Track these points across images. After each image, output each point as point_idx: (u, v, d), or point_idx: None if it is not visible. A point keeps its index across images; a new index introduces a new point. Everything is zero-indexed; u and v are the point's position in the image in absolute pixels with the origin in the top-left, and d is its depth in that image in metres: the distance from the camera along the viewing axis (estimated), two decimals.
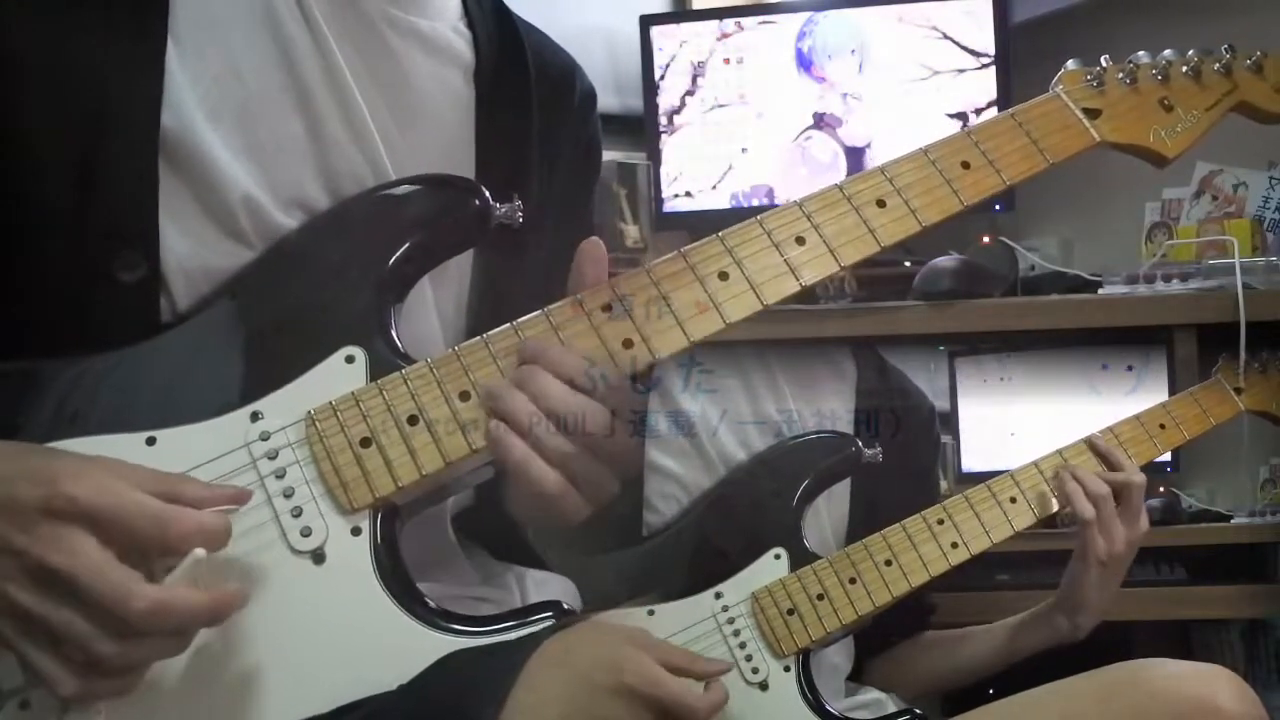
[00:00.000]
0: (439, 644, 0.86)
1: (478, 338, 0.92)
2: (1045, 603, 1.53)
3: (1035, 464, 1.49)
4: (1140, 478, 1.47)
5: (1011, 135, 1.05)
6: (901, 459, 1.57)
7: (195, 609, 0.76)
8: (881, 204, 1.00)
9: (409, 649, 0.85)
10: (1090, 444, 1.50)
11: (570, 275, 0.97)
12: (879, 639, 1.62)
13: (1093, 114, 1.08)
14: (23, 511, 0.74)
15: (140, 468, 0.80)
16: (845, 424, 1.59)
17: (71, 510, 0.74)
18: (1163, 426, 1.54)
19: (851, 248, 0.99)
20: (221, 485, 0.84)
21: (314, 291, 0.92)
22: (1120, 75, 1.11)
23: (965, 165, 1.03)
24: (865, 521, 1.46)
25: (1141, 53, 1.13)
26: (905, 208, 1.00)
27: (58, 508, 0.74)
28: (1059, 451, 1.50)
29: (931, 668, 1.61)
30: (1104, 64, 1.11)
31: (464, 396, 0.90)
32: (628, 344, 0.93)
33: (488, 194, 0.95)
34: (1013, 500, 1.46)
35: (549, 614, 0.88)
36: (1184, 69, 1.13)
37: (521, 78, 1.10)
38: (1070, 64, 1.11)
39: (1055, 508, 1.48)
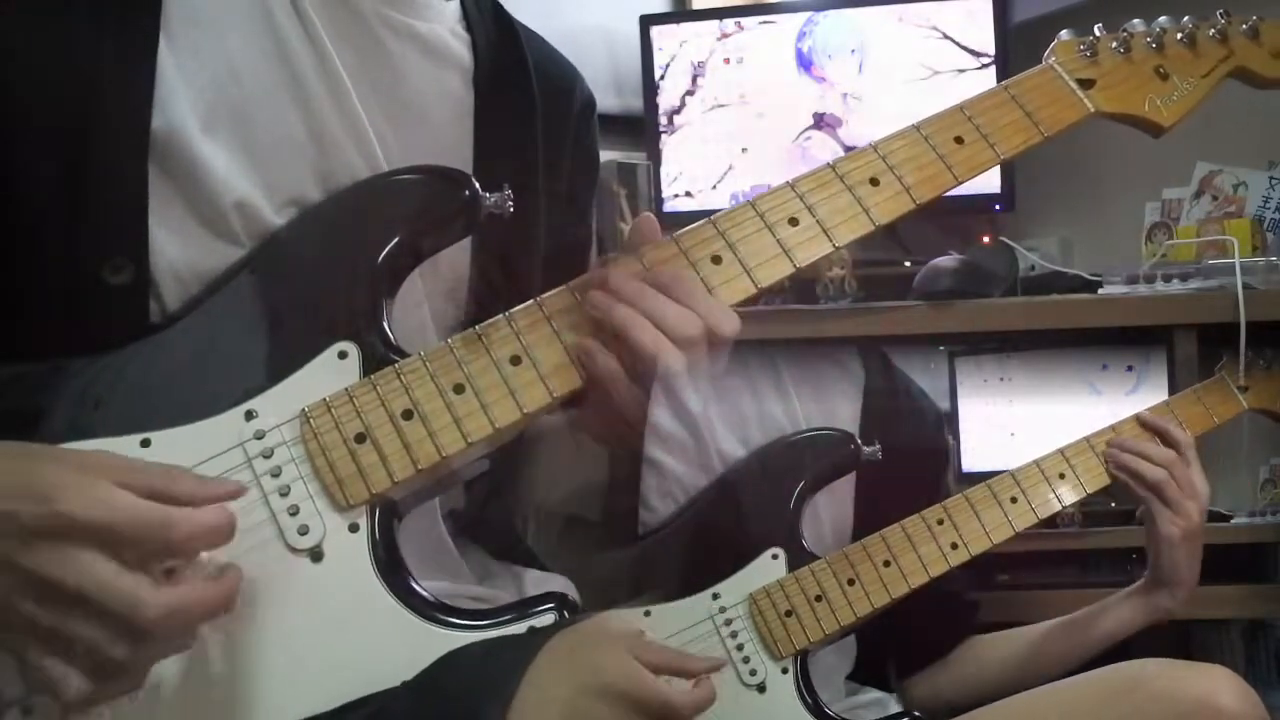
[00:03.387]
0: (440, 639, 0.86)
1: (470, 330, 0.92)
2: (1133, 586, 1.52)
3: (1036, 463, 1.48)
4: (1189, 440, 1.50)
5: (1005, 108, 1.04)
6: (908, 464, 1.56)
7: (208, 605, 0.77)
8: (875, 182, 0.99)
9: (410, 644, 0.85)
10: (1140, 420, 1.52)
11: (623, 247, 0.97)
12: (921, 654, 1.59)
13: (1087, 84, 1.07)
14: (23, 530, 0.73)
15: (136, 464, 0.79)
16: (852, 424, 1.58)
17: (69, 529, 0.73)
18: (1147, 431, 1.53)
19: (845, 227, 0.98)
20: (218, 480, 0.84)
21: (305, 287, 0.92)
22: (1114, 45, 1.09)
23: (959, 140, 1.02)
24: (869, 527, 1.45)
25: (1136, 21, 1.11)
26: (899, 185, 0.99)
27: (55, 527, 0.73)
28: (1060, 451, 1.49)
29: (983, 676, 1.56)
30: (1097, 33, 1.10)
31: (458, 389, 0.90)
32: None
33: (476, 184, 0.95)
34: (1013, 500, 1.45)
35: (551, 605, 0.88)
36: (1179, 36, 1.11)
37: (523, 83, 1.10)
38: (1064, 34, 1.10)
39: (1058, 506, 1.47)
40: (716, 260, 0.95)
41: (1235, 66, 1.13)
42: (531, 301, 0.93)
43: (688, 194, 2.31)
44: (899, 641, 1.58)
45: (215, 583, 0.77)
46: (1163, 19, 1.12)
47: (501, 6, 1.14)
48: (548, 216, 1.10)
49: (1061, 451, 1.49)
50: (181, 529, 0.76)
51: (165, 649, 0.77)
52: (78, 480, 0.75)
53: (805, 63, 2.29)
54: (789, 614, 1.35)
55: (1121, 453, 1.48)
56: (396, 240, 0.93)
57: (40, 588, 0.73)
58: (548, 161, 1.11)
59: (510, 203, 0.95)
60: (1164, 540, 1.46)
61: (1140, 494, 1.47)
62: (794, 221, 0.97)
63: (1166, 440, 1.49)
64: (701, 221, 0.96)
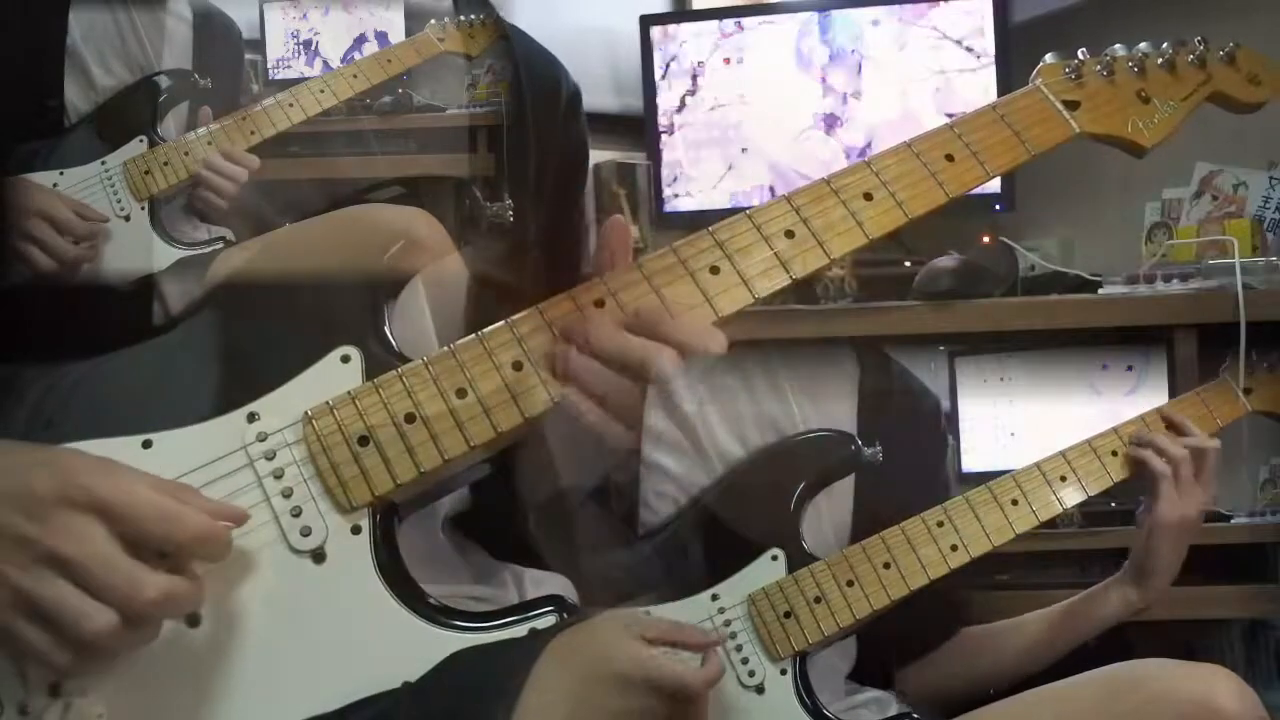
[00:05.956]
0: (443, 640, 0.86)
1: (472, 335, 0.92)
2: (1107, 580, 1.51)
3: (1038, 465, 1.48)
4: (1214, 443, 1.49)
5: (994, 128, 1.06)
6: (906, 458, 1.56)
7: (193, 595, 0.79)
8: (869, 197, 1.00)
9: (412, 646, 0.86)
10: (1163, 414, 1.51)
11: (595, 255, 0.97)
12: (914, 647, 1.60)
13: (1072, 106, 1.10)
14: (36, 500, 0.75)
15: (150, 475, 0.81)
16: (848, 423, 1.58)
17: (86, 500, 0.75)
18: (1169, 427, 1.53)
19: (840, 240, 0.99)
20: (226, 504, 0.84)
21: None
22: (1098, 68, 1.12)
23: (949, 158, 1.04)
24: (870, 523, 1.45)
25: (1118, 45, 1.14)
26: (892, 200, 1.01)
27: (72, 497, 0.75)
28: (1061, 453, 1.49)
29: (977, 667, 1.57)
30: (1081, 57, 1.12)
31: (461, 394, 0.90)
32: None
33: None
34: (1014, 503, 1.44)
35: (550, 608, 0.88)
36: (1159, 61, 1.14)
37: (511, 81, 1.11)
38: (1049, 57, 1.13)
39: (1060, 509, 1.47)
40: (714, 271, 0.96)
41: (1213, 91, 1.16)
42: (533, 309, 0.93)
43: (688, 194, 2.31)
44: (890, 637, 1.59)
45: (196, 579, 0.79)
46: (1143, 44, 1.15)
47: (494, 9, 1.14)
48: (541, 212, 1.11)
49: (1063, 454, 1.49)
50: (188, 525, 0.78)
51: (140, 637, 0.78)
52: (100, 463, 0.78)
53: (805, 63, 2.29)
54: (788, 615, 1.35)
55: (1149, 433, 1.48)
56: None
57: (42, 559, 0.74)
58: (539, 157, 1.12)
59: (510, 212, 0.96)
60: (1158, 523, 1.45)
61: (1157, 467, 1.45)
62: (790, 234, 0.98)
63: (1184, 434, 1.49)
64: (699, 233, 0.97)
